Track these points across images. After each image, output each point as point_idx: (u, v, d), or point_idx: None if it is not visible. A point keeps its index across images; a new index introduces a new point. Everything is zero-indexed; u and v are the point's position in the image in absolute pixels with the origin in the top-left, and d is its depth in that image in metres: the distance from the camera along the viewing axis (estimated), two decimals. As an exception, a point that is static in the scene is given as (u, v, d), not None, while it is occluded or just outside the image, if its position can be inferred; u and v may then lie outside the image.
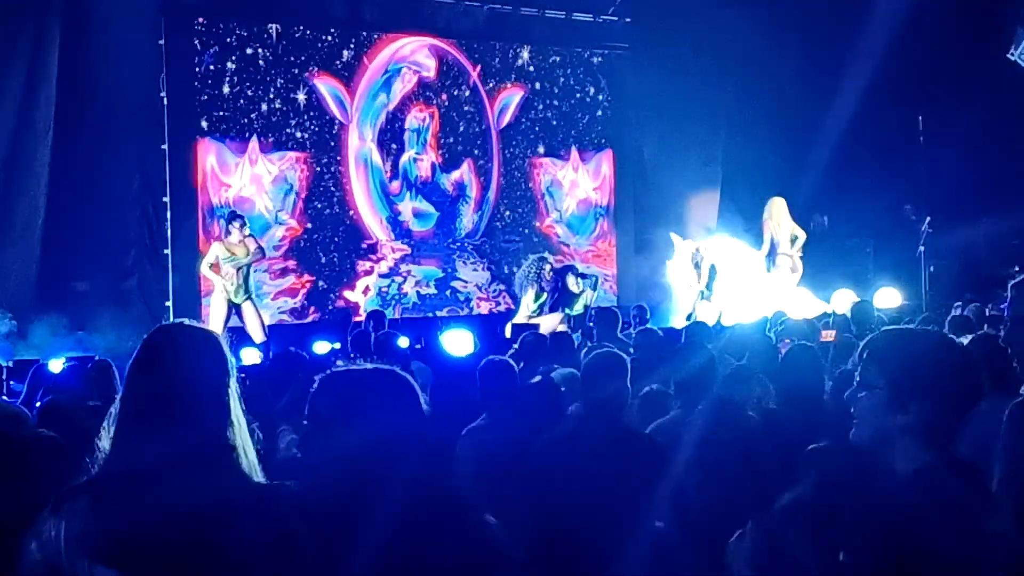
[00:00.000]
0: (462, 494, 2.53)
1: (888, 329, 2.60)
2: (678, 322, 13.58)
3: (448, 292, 15.44)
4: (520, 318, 12.91)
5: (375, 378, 2.43)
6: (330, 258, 14.53)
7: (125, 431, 2.30)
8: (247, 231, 12.33)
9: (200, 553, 2.22)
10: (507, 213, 16.03)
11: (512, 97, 16.03)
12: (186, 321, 2.50)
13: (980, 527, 2.26)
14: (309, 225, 14.33)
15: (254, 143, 13.81)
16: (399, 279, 15.01)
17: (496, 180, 15.89)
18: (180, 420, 2.29)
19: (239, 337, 11.63)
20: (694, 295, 14.94)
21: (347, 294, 14.59)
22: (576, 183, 16.67)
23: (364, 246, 14.81)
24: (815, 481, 2.57)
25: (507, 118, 15.99)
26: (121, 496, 2.23)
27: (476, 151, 15.72)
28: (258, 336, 12.01)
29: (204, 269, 12.26)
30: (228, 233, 12.29)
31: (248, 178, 13.79)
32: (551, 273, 13.41)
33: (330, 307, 14.34)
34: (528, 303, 13.28)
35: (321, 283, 14.38)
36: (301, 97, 14.21)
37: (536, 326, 11.19)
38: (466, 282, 15.63)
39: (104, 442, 2.32)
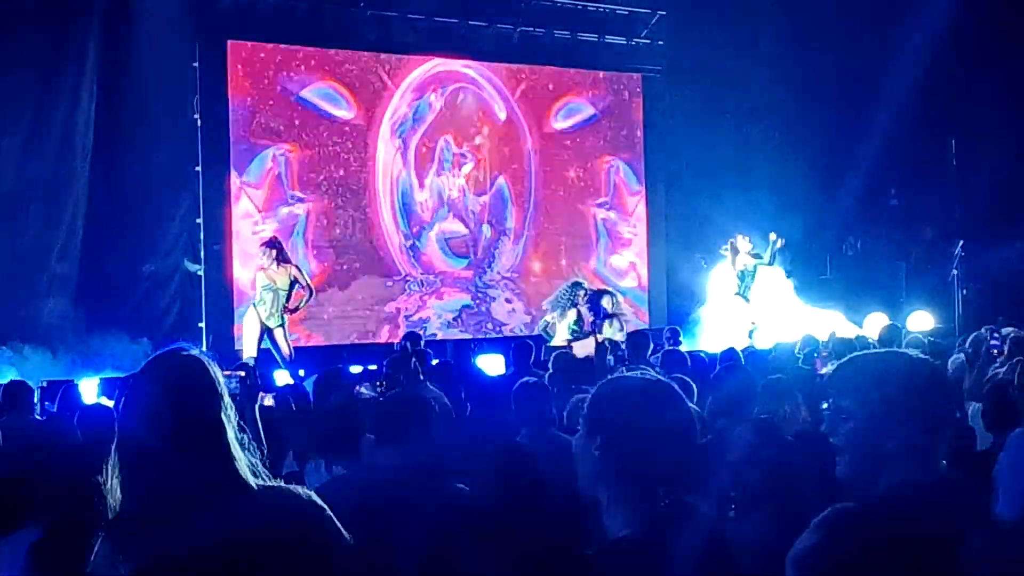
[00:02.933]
0: None
1: (857, 355, 2.54)
2: (710, 344, 13.48)
3: (482, 333, 15.16)
4: (557, 341, 12.80)
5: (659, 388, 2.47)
6: (361, 292, 14.41)
7: (128, 470, 2.29)
8: (279, 258, 11.94)
9: None
10: (542, 244, 15.92)
11: (560, 112, 16.05)
12: (172, 348, 2.42)
13: (975, 540, 2.22)
14: (333, 260, 14.26)
15: (280, 168, 13.84)
16: (425, 315, 14.80)
17: (533, 208, 15.84)
18: (179, 453, 2.26)
19: (270, 359, 11.67)
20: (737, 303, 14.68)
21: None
22: (624, 216, 16.65)
23: (390, 283, 14.65)
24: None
25: (554, 128, 15.96)
26: (142, 538, 2.22)
27: (512, 177, 15.65)
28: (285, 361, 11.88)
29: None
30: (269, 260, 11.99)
31: (272, 204, 13.82)
32: (586, 297, 13.23)
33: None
34: (565, 327, 13.07)
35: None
36: (329, 116, 14.29)
37: (570, 349, 11.15)
38: (502, 324, 15.43)
39: (112, 482, 2.30)
